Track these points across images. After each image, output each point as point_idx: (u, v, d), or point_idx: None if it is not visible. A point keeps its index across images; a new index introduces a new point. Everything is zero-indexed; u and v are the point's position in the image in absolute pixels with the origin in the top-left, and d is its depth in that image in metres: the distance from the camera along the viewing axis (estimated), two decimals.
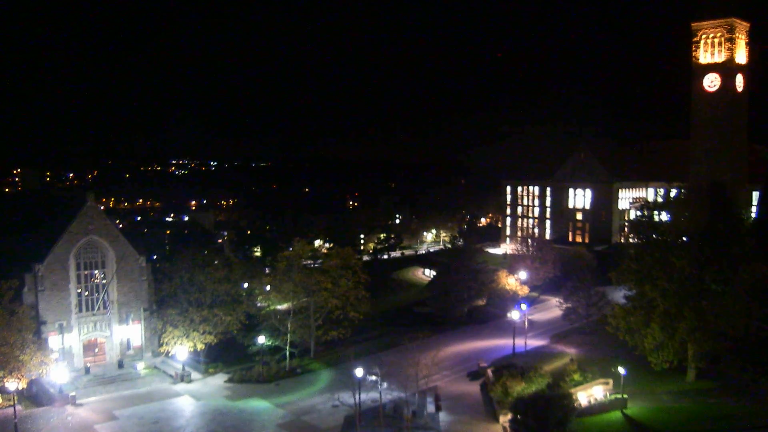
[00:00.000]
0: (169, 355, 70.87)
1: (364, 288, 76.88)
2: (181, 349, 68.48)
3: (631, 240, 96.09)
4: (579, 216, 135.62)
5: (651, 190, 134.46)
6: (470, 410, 55.36)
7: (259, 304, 79.02)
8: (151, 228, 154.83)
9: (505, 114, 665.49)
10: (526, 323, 74.28)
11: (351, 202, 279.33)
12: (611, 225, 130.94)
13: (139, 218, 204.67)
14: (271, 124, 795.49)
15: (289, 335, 71.08)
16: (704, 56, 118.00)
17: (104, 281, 71.25)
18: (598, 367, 59.10)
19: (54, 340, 66.64)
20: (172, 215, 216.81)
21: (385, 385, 55.28)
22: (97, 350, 71.38)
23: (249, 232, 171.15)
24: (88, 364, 69.24)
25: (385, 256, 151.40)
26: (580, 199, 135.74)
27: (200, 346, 69.88)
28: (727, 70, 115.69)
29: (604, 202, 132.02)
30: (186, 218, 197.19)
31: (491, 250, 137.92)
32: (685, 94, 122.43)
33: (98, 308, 70.74)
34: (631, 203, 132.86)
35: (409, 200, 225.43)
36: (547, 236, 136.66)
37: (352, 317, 74.91)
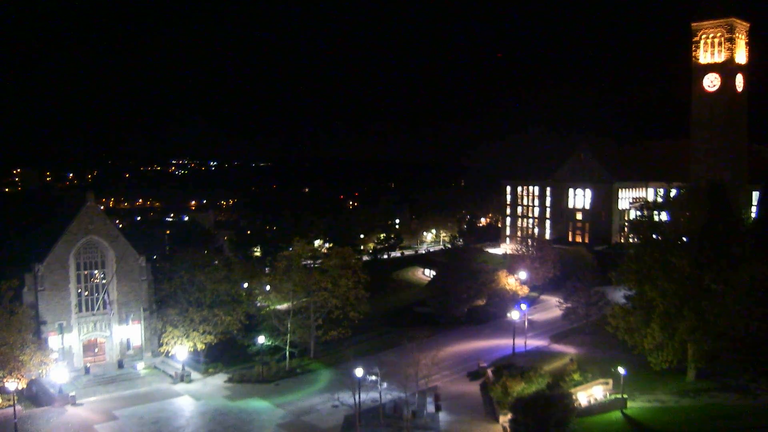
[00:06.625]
0: (169, 355, 70.90)
1: (363, 288, 76.90)
2: (181, 349, 68.50)
3: (631, 240, 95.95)
4: (579, 216, 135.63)
5: (651, 190, 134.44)
6: (470, 410, 55.35)
7: (259, 304, 79.05)
8: (151, 228, 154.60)
9: (505, 114, 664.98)
10: (526, 323, 74.30)
11: (351, 202, 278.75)
12: (611, 225, 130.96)
13: (139, 218, 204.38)
14: (271, 124, 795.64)
15: (288, 335, 71.13)
16: (704, 56, 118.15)
17: (104, 281, 71.24)
18: (598, 367, 59.08)
19: (54, 340, 66.64)
20: (172, 215, 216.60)
21: (385, 385, 55.28)
22: (97, 350, 71.37)
23: (249, 232, 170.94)
24: (88, 364, 69.26)
25: (385, 256, 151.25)
26: (580, 199, 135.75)
27: (200, 346, 69.90)
28: (727, 70, 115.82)
29: (604, 202, 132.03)
30: (186, 218, 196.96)
31: (491, 250, 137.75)
32: (685, 94, 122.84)
33: (98, 308, 70.73)
34: (631, 203, 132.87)
35: (409, 200, 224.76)
36: (547, 236, 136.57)
37: (352, 317, 74.94)
